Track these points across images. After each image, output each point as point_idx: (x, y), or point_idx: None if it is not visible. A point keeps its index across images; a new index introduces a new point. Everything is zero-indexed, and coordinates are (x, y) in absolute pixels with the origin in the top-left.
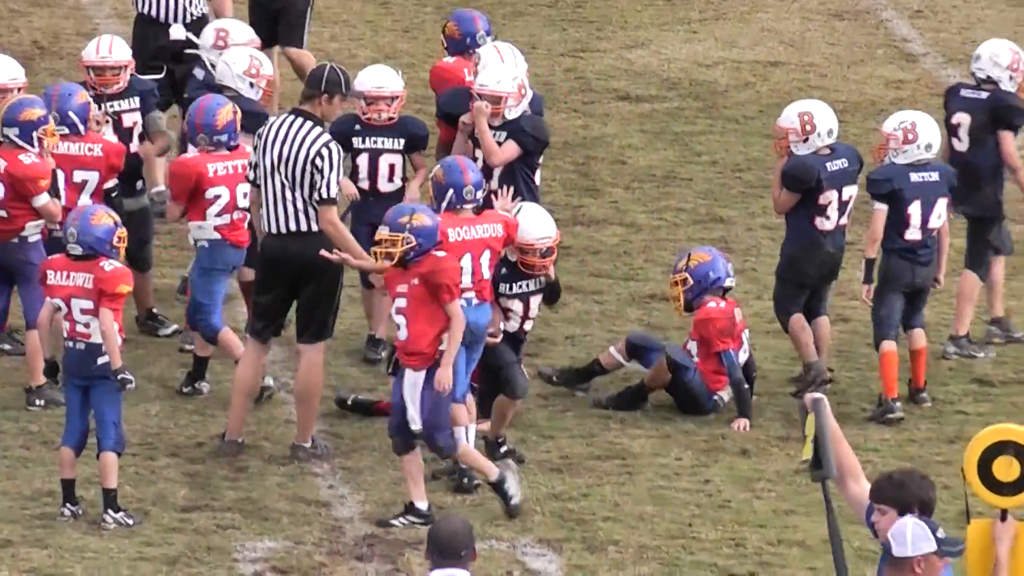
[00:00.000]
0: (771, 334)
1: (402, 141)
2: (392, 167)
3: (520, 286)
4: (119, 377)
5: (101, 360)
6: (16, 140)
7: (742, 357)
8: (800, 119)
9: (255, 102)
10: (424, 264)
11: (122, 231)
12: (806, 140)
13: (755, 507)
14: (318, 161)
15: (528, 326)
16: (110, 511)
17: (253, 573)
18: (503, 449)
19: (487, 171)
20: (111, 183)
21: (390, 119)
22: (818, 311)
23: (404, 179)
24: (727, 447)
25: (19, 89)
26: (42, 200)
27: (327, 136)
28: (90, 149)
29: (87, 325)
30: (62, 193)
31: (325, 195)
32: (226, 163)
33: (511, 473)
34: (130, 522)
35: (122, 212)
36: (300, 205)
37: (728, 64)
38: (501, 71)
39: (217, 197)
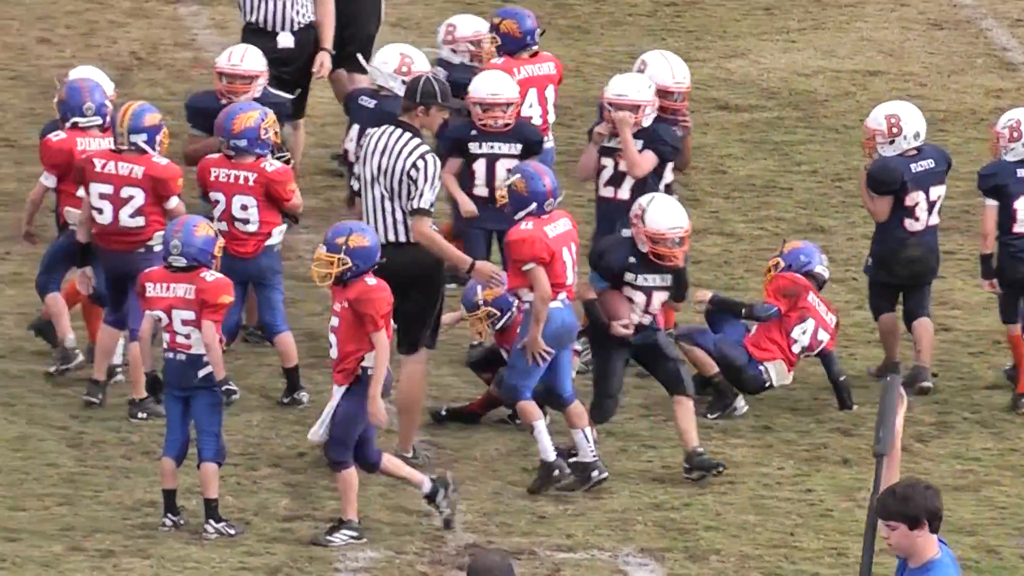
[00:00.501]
0: (872, 343)
1: (519, 146)
2: (509, 173)
3: (646, 279)
4: (224, 388)
5: (202, 371)
6: (144, 146)
7: (801, 337)
8: (887, 121)
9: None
10: (352, 290)
11: (221, 242)
12: (892, 142)
13: (857, 516)
14: (413, 172)
15: (646, 320)
16: (211, 521)
17: None
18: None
19: (617, 179)
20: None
21: (506, 125)
22: (918, 313)
23: None
24: (828, 456)
25: (110, 101)
26: (174, 202)
27: (424, 147)
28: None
29: (188, 336)
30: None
31: (417, 205)
32: (229, 171)
33: (446, 486)
34: (231, 532)
35: None
36: (399, 216)
37: (827, 73)
38: (638, 79)
39: (216, 203)
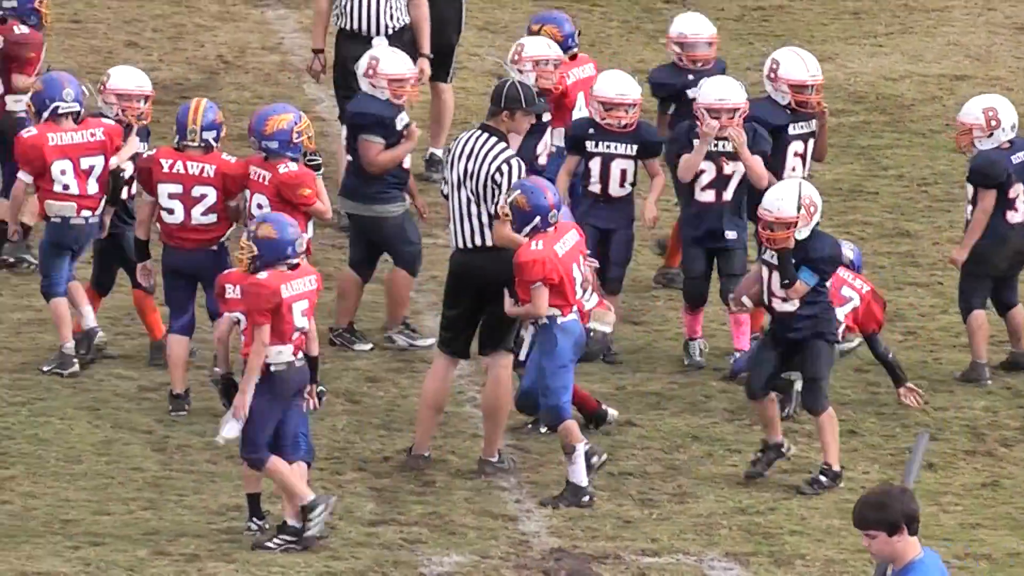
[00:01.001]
0: (957, 348)
1: (635, 147)
2: (624, 172)
3: None
4: (317, 391)
5: None
6: (213, 143)
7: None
8: (985, 114)
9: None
10: (244, 280)
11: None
12: (991, 135)
13: (941, 521)
14: (497, 176)
15: None
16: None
17: None
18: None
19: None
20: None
21: (627, 126)
22: (1011, 301)
23: (633, 184)
24: None
25: (146, 98)
26: (234, 200)
27: (509, 151)
28: (92, 135)
29: None
30: (74, 182)
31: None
32: (254, 169)
33: (323, 505)
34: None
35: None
36: (484, 220)
37: (914, 78)
38: (734, 83)
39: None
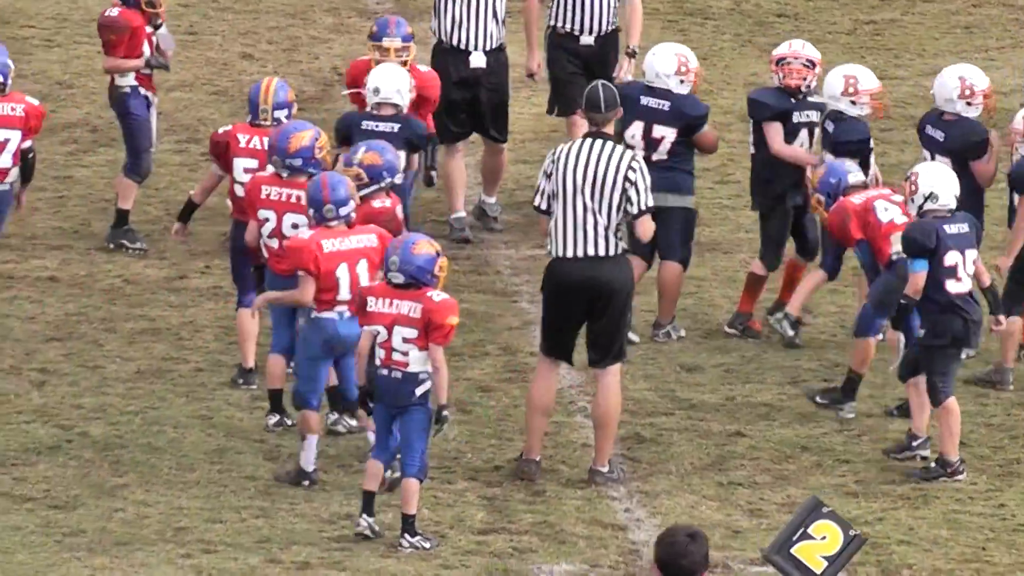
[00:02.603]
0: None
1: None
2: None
3: None
4: (442, 414)
5: (419, 389)
6: (285, 121)
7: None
8: None
9: (687, 96)
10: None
11: (444, 260)
12: None
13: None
14: (631, 175)
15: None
16: (407, 535)
17: None
18: None
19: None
20: (28, 144)
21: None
22: None
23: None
24: (1021, 472)
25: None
26: None
27: (631, 152)
28: (12, 109)
29: (406, 353)
30: None
31: (644, 206)
32: (280, 189)
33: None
34: (427, 545)
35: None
36: (600, 230)
37: None
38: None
39: (265, 220)
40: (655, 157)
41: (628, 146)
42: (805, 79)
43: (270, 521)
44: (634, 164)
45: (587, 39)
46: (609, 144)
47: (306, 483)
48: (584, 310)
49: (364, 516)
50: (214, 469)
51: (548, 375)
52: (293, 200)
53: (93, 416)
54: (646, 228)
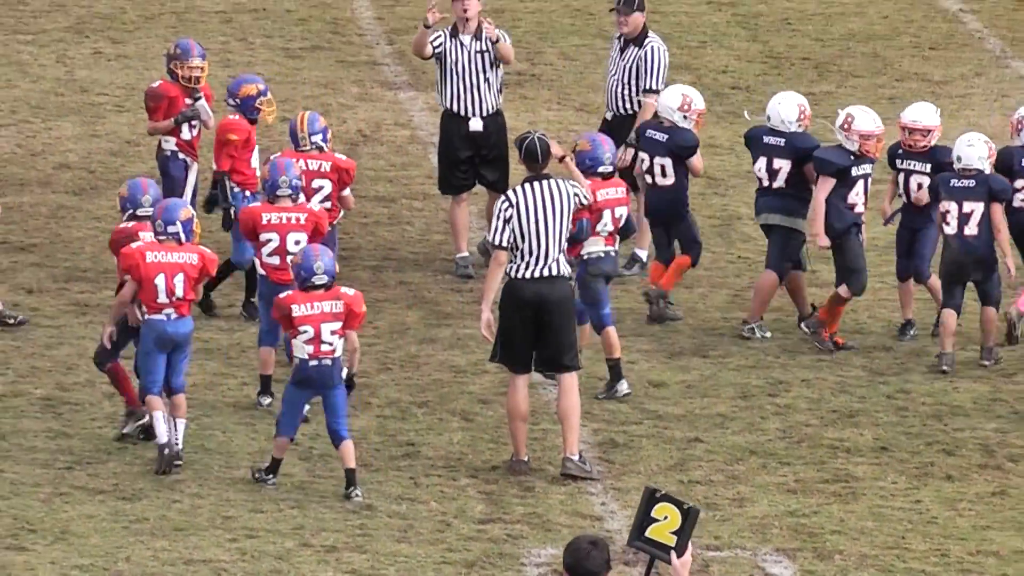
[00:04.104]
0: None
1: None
2: (920, 185)
3: None
4: (353, 380)
5: (342, 372)
6: (323, 144)
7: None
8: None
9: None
10: None
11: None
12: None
13: (958, 523)
14: (575, 197)
15: None
16: (355, 487)
17: (538, 575)
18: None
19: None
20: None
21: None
22: None
23: None
24: (935, 472)
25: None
26: (348, 190)
27: (570, 182)
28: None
29: (331, 344)
30: None
31: (586, 199)
32: (280, 213)
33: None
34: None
35: None
36: (556, 254)
37: None
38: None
39: (267, 241)
40: (775, 185)
41: (758, 177)
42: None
43: (303, 511)
44: (576, 190)
45: (475, 122)
46: (553, 180)
47: (166, 452)
48: (536, 324)
49: (273, 476)
50: (256, 467)
51: (519, 386)
52: (294, 221)
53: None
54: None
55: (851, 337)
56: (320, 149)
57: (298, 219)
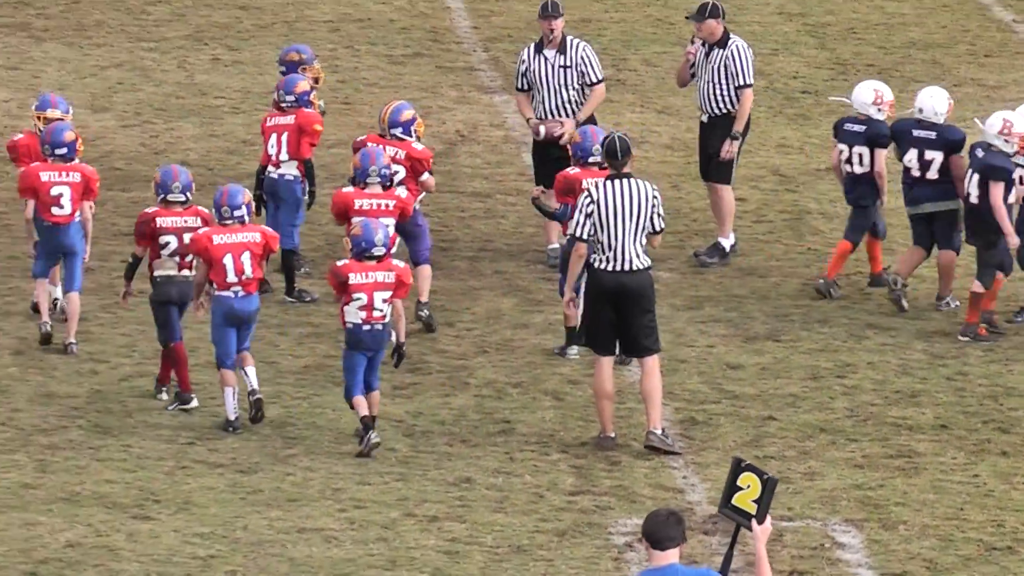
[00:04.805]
0: None
1: None
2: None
3: None
4: (402, 350)
5: (391, 335)
6: (402, 136)
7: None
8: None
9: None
10: None
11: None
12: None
13: (1013, 496)
14: (655, 201)
15: None
16: (372, 432)
17: (623, 543)
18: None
19: None
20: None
21: None
22: None
23: None
24: (991, 449)
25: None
26: (426, 175)
27: (650, 183)
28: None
29: (383, 311)
30: None
31: (662, 227)
32: (371, 200)
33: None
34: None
35: None
36: (637, 248)
37: None
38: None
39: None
40: (928, 176)
41: (906, 168)
42: None
43: (407, 483)
44: (655, 190)
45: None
46: (632, 179)
47: (229, 428)
48: (617, 312)
49: (370, 433)
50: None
51: (605, 368)
52: (383, 207)
53: (270, 400)
54: (656, 242)
55: (912, 323)
56: (400, 139)
57: (387, 205)
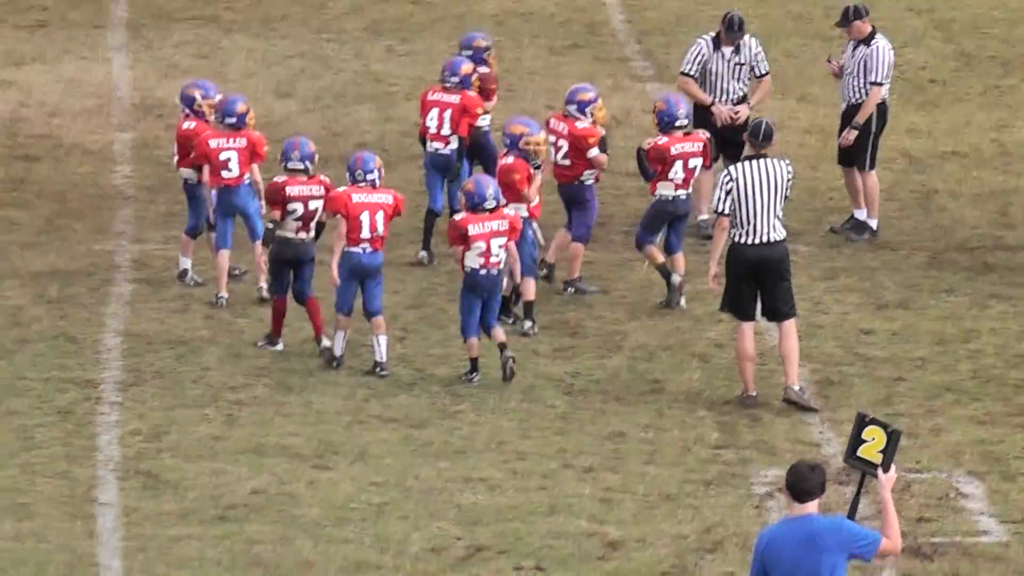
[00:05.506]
0: None
1: None
2: None
3: None
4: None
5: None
6: (576, 113)
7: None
8: None
9: None
10: None
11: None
12: None
13: None
14: (789, 177)
15: None
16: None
17: (765, 492)
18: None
19: None
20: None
21: None
22: None
23: None
24: None
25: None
26: (595, 152)
27: (785, 161)
28: None
29: (498, 256)
30: None
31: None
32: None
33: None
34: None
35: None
36: (775, 221)
37: None
38: None
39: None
40: None
41: None
42: None
43: (565, 437)
44: (790, 167)
45: (717, 107)
46: (770, 159)
47: (334, 364)
48: (757, 281)
49: (475, 373)
50: (525, 400)
51: (747, 332)
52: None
53: (439, 362)
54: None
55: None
56: (571, 116)
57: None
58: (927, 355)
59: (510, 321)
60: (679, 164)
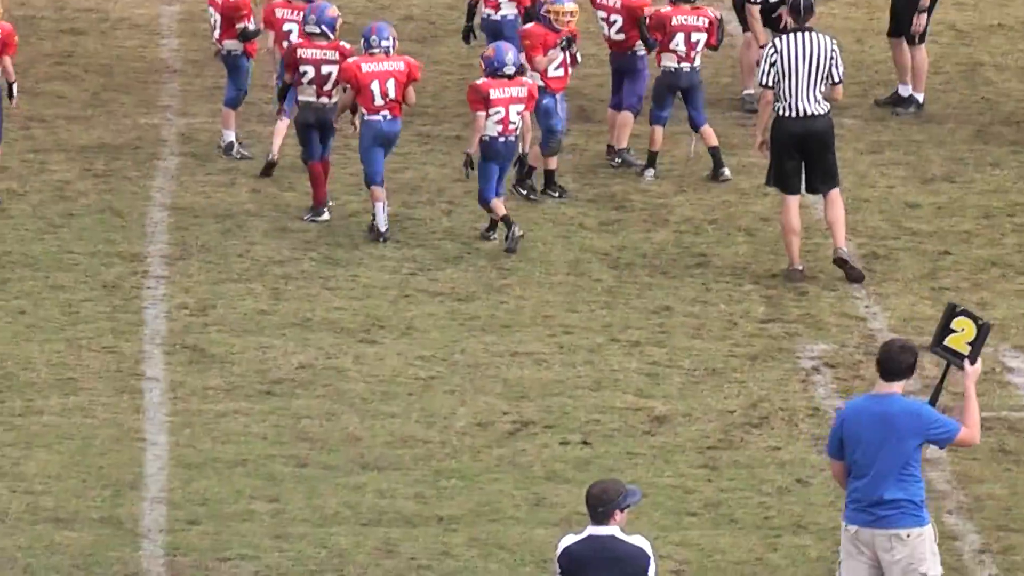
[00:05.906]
0: None
1: None
2: None
3: None
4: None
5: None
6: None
7: None
8: None
9: None
10: None
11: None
12: None
13: None
14: (834, 52)
15: None
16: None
17: (811, 367)
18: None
19: None
20: None
21: None
22: None
23: None
24: None
25: None
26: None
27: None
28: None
29: (515, 123)
30: None
31: (840, 77)
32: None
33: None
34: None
35: None
36: (816, 95)
37: None
38: None
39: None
40: None
41: None
42: None
43: (611, 311)
44: (834, 44)
45: None
46: (814, 33)
47: (381, 239)
48: (802, 153)
49: (493, 231)
50: (572, 273)
51: (792, 206)
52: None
53: (487, 236)
54: (838, 93)
55: None
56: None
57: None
58: (973, 228)
59: (523, 193)
60: (680, 36)
